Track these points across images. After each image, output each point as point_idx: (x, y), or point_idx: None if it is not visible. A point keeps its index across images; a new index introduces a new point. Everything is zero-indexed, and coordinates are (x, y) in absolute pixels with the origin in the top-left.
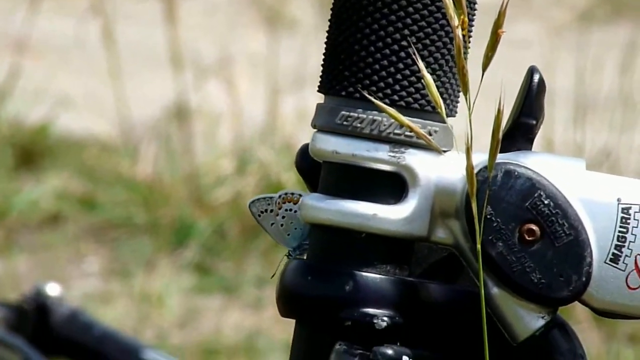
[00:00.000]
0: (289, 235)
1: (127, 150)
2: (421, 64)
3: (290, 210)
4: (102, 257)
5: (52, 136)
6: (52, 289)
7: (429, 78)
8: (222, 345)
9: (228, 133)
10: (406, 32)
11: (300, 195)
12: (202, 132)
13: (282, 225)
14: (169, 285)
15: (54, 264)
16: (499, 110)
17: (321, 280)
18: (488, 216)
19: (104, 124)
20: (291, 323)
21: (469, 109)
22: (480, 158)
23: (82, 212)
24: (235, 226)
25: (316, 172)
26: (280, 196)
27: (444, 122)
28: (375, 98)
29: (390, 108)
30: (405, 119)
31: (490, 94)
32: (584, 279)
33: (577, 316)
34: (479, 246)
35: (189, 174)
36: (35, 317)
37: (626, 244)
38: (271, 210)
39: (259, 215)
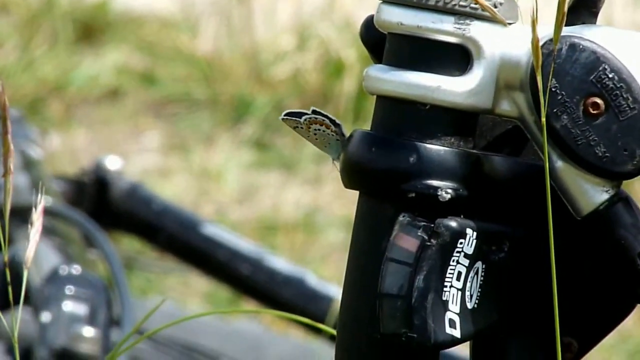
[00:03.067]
0: (326, 147)
1: (187, 25)
2: None
3: (319, 130)
4: (161, 132)
5: (112, 11)
6: (112, 162)
7: None
8: (281, 221)
9: (288, 9)
10: None
11: (324, 120)
12: (262, 8)
13: (317, 139)
14: (228, 160)
15: (112, 139)
16: None
17: (385, 151)
18: (553, 89)
19: None
20: (350, 199)
21: None
22: (545, 31)
23: (142, 87)
24: (294, 102)
25: (381, 44)
26: (305, 119)
27: None
28: None
29: None
30: None
31: None
32: None
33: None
34: (543, 119)
35: (248, 50)
36: (94, 191)
37: None
38: (301, 128)
39: (294, 129)
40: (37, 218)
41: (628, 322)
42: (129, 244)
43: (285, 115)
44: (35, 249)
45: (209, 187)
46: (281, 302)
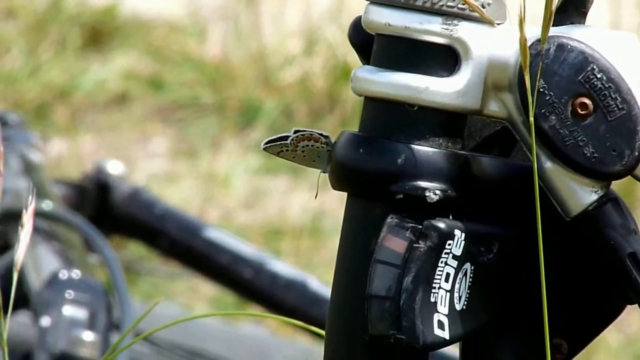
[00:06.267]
0: (315, 161)
1: (195, 30)
2: None
3: (307, 146)
4: (168, 138)
5: (120, 16)
6: (114, 167)
7: None
8: (287, 226)
9: (296, 13)
10: None
11: (312, 134)
12: (270, 12)
13: (304, 156)
14: (235, 165)
15: (120, 144)
16: None
17: (373, 153)
18: (541, 89)
19: (172, 3)
20: None
21: None
22: (533, 31)
23: (149, 92)
24: (302, 107)
25: (369, 45)
26: (292, 140)
27: None
28: None
29: None
30: None
31: None
32: (636, 153)
33: (638, 194)
34: (532, 119)
35: (256, 54)
36: (96, 195)
37: None
38: (287, 150)
39: (277, 154)
40: (27, 220)
41: (634, 325)
42: (135, 249)
43: (266, 144)
44: (25, 251)
45: (216, 192)
46: (283, 306)
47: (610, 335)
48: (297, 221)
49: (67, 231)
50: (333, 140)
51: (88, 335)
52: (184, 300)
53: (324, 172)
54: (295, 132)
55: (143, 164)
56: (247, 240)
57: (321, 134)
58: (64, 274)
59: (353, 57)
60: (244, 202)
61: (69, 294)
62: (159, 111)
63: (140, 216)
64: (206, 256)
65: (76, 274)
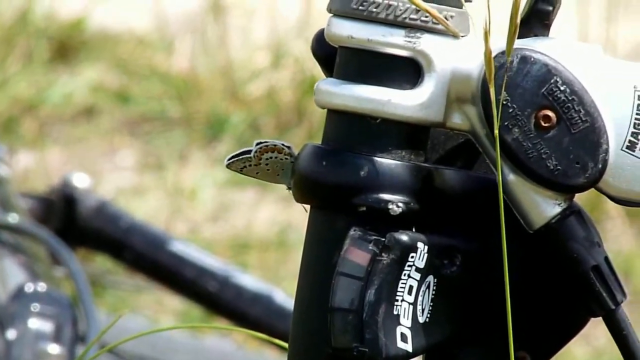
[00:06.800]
0: (279, 175)
1: (162, 44)
2: None
3: (271, 158)
4: (135, 151)
5: (88, 30)
6: (81, 180)
7: None
8: (254, 240)
9: (263, 27)
10: None
11: (276, 145)
12: (237, 26)
13: (268, 170)
14: (202, 178)
15: (87, 157)
16: None
17: (336, 165)
18: (504, 102)
19: (140, 17)
20: None
21: None
22: (496, 44)
23: (117, 105)
24: (269, 120)
25: (332, 57)
26: (255, 152)
27: (460, 6)
28: None
29: None
30: (422, 3)
31: None
32: (600, 165)
33: (610, 212)
34: (496, 132)
35: (223, 68)
36: (62, 209)
37: None
38: (250, 165)
39: (241, 171)
40: None
41: (601, 338)
42: (101, 262)
43: (229, 160)
44: None
45: (183, 205)
46: (249, 319)
47: (578, 348)
48: (263, 234)
49: (33, 244)
50: (296, 152)
51: (54, 348)
52: (150, 313)
53: (288, 188)
54: (258, 143)
55: (110, 177)
56: (214, 254)
57: (284, 145)
58: (29, 287)
59: (320, 70)
60: (211, 216)
61: (35, 307)
62: (126, 124)
63: (107, 229)
64: (172, 269)
65: (42, 287)
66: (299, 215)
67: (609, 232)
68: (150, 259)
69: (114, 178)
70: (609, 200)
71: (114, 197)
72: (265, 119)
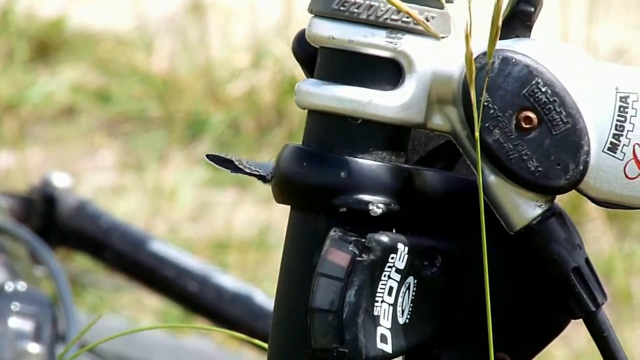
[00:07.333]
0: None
1: (142, 43)
2: None
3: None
4: (115, 150)
5: (68, 29)
6: (61, 180)
7: None
8: (234, 240)
9: (243, 27)
10: None
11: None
12: (217, 26)
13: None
14: (182, 178)
15: (67, 157)
16: None
17: (316, 166)
18: (485, 103)
19: (120, 17)
20: None
21: None
22: (478, 45)
23: (97, 105)
24: (249, 120)
25: (313, 58)
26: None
27: (441, 7)
28: None
29: None
30: (403, 4)
31: None
32: (581, 167)
33: (590, 214)
34: (477, 133)
35: (204, 68)
36: (42, 208)
37: (624, 133)
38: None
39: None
40: None
41: (581, 340)
42: (81, 261)
43: (211, 159)
44: None
45: (163, 205)
46: (229, 319)
47: (557, 350)
48: (243, 234)
49: (13, 243)
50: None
51: (33, 347)
52: (130, 313)
53: (265, 182)
54: (235, 170)
55: (90, 177)
56: (194, 254)
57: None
58: (9, 286)
59: (300, 71)
60: (191, 215)
61: (15, 306)
62: (106, 124)
63: (86, 229)
64: (151, 269)
65: (22, 286)
66: (279, 215)
67: (589, 234)
68: (130, 258)
69: (94, 178)
70: (589, 201)
71: (94, 196)
72: (245, 119)
